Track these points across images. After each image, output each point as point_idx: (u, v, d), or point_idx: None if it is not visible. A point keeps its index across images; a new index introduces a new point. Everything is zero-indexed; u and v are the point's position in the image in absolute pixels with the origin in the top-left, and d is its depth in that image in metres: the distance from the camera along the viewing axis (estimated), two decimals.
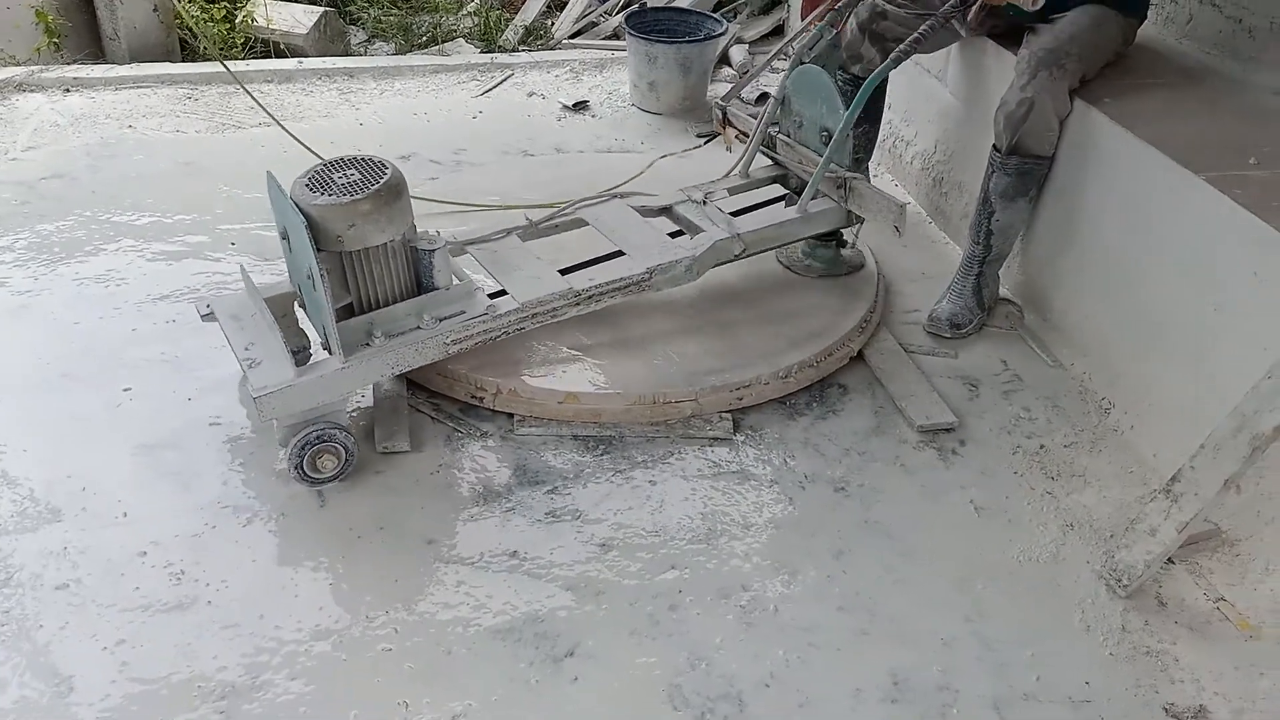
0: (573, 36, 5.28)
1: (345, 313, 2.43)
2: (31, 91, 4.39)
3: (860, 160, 3.66)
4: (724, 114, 3.34)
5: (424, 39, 5.23)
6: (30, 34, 4.72)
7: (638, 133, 4.33)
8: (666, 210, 3.02)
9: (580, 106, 4.52)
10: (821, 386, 2.86)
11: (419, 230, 2.51)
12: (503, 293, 2.63)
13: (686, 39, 4.42)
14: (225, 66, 3.84)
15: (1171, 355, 2.58)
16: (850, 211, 3.02)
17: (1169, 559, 2.31)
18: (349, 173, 2.38)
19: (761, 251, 2.98)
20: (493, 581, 2.25)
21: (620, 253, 2.83)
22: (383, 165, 2.41)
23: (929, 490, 2.54)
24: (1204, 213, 2.46)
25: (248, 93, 3.83)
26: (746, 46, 5.14)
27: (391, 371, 2.46)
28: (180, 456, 2.52)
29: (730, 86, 4.58)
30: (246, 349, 2.42)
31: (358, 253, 2.37)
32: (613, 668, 2.08)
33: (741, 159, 3.20)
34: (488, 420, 2.69)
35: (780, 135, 3.16)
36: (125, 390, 2.71)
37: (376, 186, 2.34)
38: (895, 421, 2.75)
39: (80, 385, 2.73)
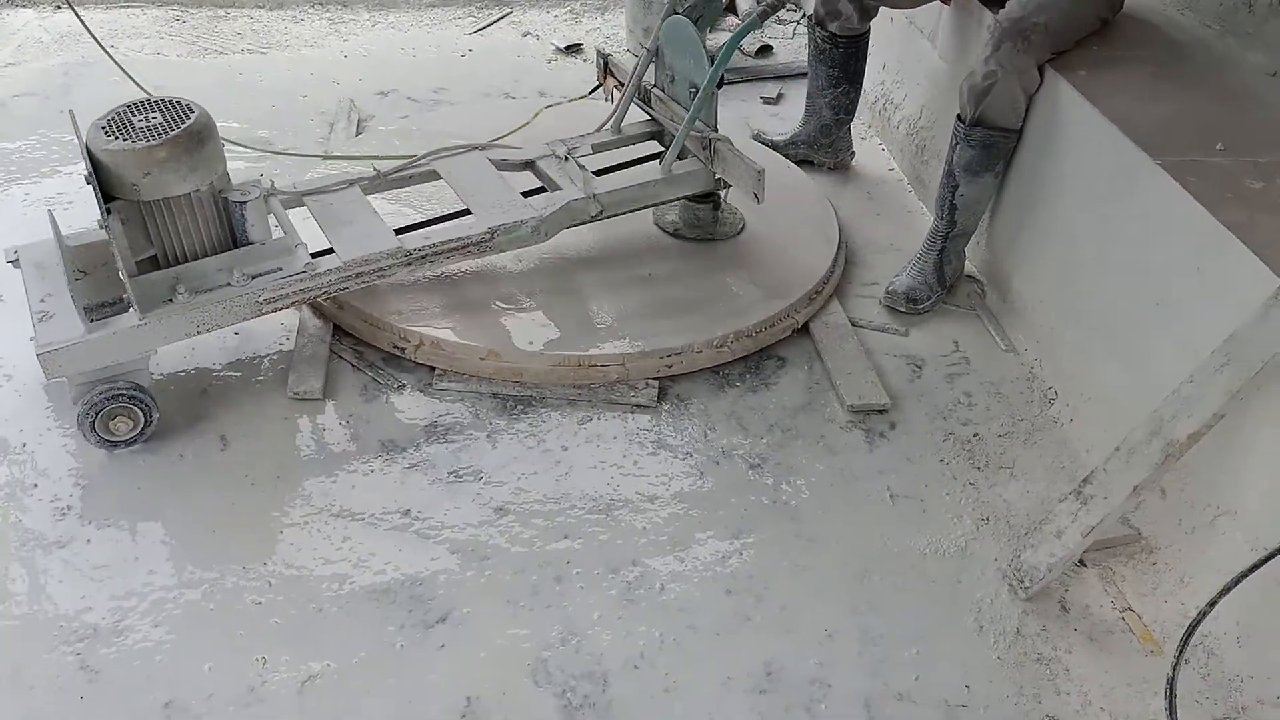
0: None
1: (149, 265, 2.32)
2: (23, 7, 4.37)
3: (841, 121, 3.53)
4: (605, 63, 3.18)
5: None
6: None
7: None
8: (530, 165, 2.88)
9: (573, 50, 4.40)
10: (760, 357, 2.76)
11: (256, 179, 2.39)
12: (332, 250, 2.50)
13: None
14: None
15: (1113, 348, 2.45)
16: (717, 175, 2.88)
17: (1081, 561, 2.21)
18: (151, 115, 2.25)
19: (623, 213, 2.83)
20: (378, 539, 2.21)
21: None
22: (189, 109, 2.29)
23: (848, 474, 2.44)
24: (1155, 200, 2.32)
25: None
26: None
27: (197, 330, 2.34)
28: None
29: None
30: (42, 300, 2.31)
31: (158, 203, 2.25)
32: (482, 637, 2.03)
33: (614, 113, 3.02)
34: (409, 372, 2.63)
35: (655, 89, 3.00)
36: None
37: (175, 132, 2.21)
38: (828, 399, 2.65)
39: (4, 309, 2.71)
